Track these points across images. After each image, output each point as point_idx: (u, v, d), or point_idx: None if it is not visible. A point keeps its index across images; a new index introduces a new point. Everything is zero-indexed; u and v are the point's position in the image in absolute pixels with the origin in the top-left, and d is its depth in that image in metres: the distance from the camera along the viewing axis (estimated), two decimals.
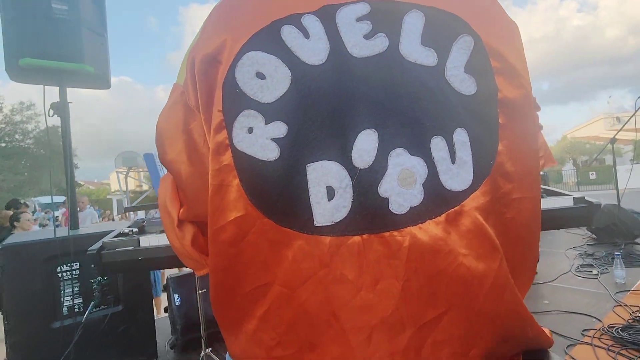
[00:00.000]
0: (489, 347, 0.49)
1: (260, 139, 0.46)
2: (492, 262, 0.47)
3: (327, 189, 0.45)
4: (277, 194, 0.46)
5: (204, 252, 0.58)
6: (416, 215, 0.44)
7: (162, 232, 1.14)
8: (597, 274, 2.70)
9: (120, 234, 1.12)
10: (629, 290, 2.33)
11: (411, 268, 0.44)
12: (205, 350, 1.51)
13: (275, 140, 0.46)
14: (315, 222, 0.45)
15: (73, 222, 1.98)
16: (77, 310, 1.70)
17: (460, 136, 0.47)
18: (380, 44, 0.48)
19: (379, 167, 0.45)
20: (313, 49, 0.47)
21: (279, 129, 0.46)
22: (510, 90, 0.50)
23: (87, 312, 1.65)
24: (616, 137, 3.44)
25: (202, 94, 0.49)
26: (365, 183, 0.44)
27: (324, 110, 0.45)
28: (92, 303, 1.68)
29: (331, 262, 0.45)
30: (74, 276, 1.69)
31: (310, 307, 0.46)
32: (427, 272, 0.44)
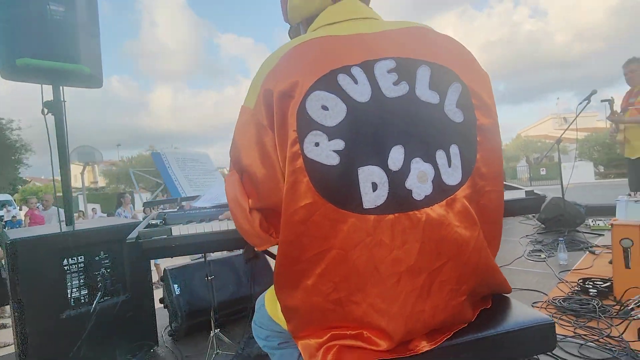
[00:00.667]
0: (472, 287, 0.72)
1: (325, 151, 0.65)
2: (474, 231, 0.69)
3: (372, 184, 0.65)
4: (338, 187, 0.65)
5: (267, 232, 0.76)
6: (428, 201, 0.66)
7: (189, 222, 1.29)
8: (545, 258, 3.10)
9: (150, 225, 1.25)
10: (569, 270, 2.74)
11: (426, 235, 0.66)
12: (215, 331, 1.66)
13: (335, 151, 0.65)
14: (364, 206, 0.65)
15: (68, 218, 2.04)
16: (82, 301, 1.78)
17: (454, 150, 0.69)
18: (403, 88, 0.69)
19: (405, 169, 0.66)
20: (361, 91, 0.67)
21: (338, 144, 0.65)
22: (484, 119, 0.73)
23: (95, 302, 1.75)
24: (562, 136, 3.90)
25: (278, 118, 0.68)
26: (397, 180, 0.66)
27: (368, 133, 0.66)
28: (99, 293, 1.78)
29: (374, 232, 0.65)
30: (79, 269, 1.78)
31: (359, 263, 0.66)
32: (435, 237, 0.66)
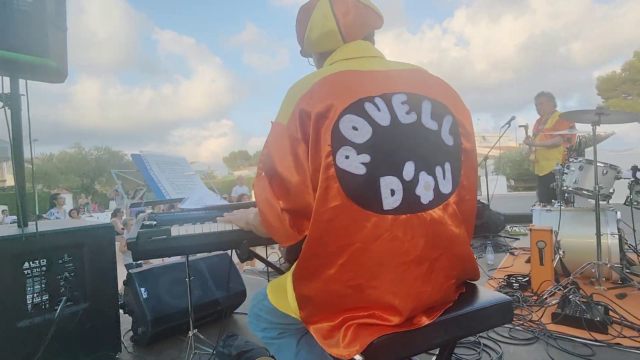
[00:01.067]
0: (459, 273, 0.93)
1: (354, 162, 0.81)
2: (461, 229, 0.91)
3: (391, 190, 0.82)
4: (363, 192, 0.81)
5: (295, 230, 0.89)
6: (431, 205, 0.86)
7: (184, 223, 1.35)
8: (476, 258, 3.56)
9: (144, 226, 1.28)
10: (496, 269, 3.20)
11: (429, 231, 0.84)
12: (193, 331, 1.69)
13: (363, 163, 0.81)
14: (383, 208, 0.82)
15: (23, 219, 1.91)
16: (43, 307, 1.69)
17: (447, 166, 0.90)
18: (412, 117, 0.88)
19: (415, 180, 0.85)
20: (382, 117, 0.85)
21: (365, 158, 0.82)
22: (467, 144, 0.96)
23: (59, 309, 1.67)
24: (481, 153, 4.50)
25: (313, 134, 0.82)
26: (409, 188, 0.84)
27: (388, 150, 0.84)
28: (64, 298, 1.70)
29: (391, 229, 0.82)
30: (41, 272, 1.69)
31: (378, 254, 0.82)
32: (435, 233, 0.85)
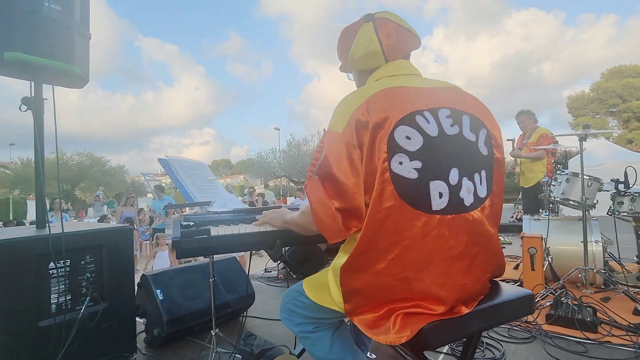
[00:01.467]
0: (493, 268, 1.06)
1: (407, 168, 0.92)
2: (495, 229, 1.04)
3: (439, 193, 0.94)
4: (415, 194, 0.92)
5: (345, 227, 0.98)
6: (472, 207, 0.98)
7: (219, 224, 1.42)
8: None
9: (183, 227, 1.35)
10: None
11: (470, 230, 0.97)
12: (215, 330, 1.74)
13: (415, 169, 0.93)
14: (432, 208, 0.93)
15: (41, 220, 1.92)
16: (64, 307, 1.71)
17: (483, 173, 1.03)
18: (456, 129, 1.01)
19: (459, 185, 0.97)
20: (431, 129, 0.97)
21: (417, 164, 0.93)
22: (498, 154, 1.09)
23: (83, 309, 1.70)
24: None
25: (370, 141, 0.92)
26: (454, 191, 0.96)
27: (437, 157, 0.95)
28: (87, 299, 1.73)
29: (438, 227, 0.93)
30: (65, 273, 1.71)
31: (426, 250, 0.93)
32: (475, 232, 0.98)
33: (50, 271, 1.68)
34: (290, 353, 1.69)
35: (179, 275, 2.26)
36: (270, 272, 3.91)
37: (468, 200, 0.98)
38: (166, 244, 5.23)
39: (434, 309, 0.95)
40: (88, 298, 1.74)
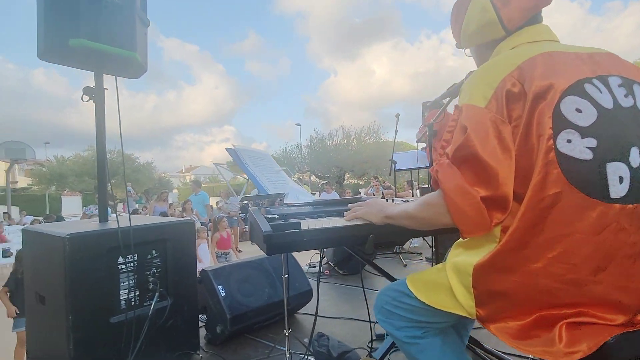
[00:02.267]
0: None
1: (578, 147, 0.77)
2: None
3: (619, 178, 0.77)
4: (589, 178, 0.77)
5: (489, 219, 0.83)
6: None
7: (306, 217, 1.32)
8: None
9: (270, 219, 1.25)
10: None
11: None
12: (288, 330, 1.65)
13: (589, 148, 0.77)
14: (610, 196, 0.77)
15: (102, 215, 1.88)
16: (133, 303, 1.66)
17: None
18: (630, 101, 0.83)
19: None
20: (606, 100, 0.81)
21: (591, 142, 0.78)
22: None
23: (153, 304, 1.64)
24: None
25: (527, 115, 0.79)
26: (636, 175, 0.78)
27: (614, 134, 0.79)
28: (157, 294, 1.67)
29: (618, 219, 0.77)
30: (134, 268, 1.66)
31: (605, 246, 0.77)
32: None
33: (119, 266, 1.62)
34: (370, 355, 1.58)
35: (237, 271, 2.19)
36: (315, 267, 3.80)
37: None
38: (205, 238, 5.20)
39: (610, 318, 0.79)
40: (157, 294, 1.68)
